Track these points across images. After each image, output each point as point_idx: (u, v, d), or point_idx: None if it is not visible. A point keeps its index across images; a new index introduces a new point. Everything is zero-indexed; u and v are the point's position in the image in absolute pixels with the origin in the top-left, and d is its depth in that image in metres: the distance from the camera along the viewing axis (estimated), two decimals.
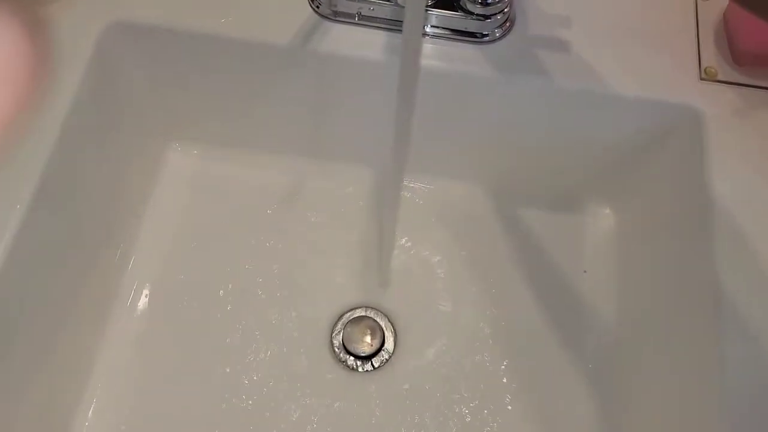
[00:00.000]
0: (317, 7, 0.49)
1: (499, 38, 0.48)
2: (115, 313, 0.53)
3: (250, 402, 0.50)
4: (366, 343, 0.53)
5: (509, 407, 0.51)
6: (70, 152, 0.44)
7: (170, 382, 0.51)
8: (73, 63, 0.45)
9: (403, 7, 0.45)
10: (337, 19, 0.48)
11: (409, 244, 0.57)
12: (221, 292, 0.54)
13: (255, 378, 0.51)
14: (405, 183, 0.58)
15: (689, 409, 0.41)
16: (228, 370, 0.51)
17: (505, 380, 0.52)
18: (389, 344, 0.53)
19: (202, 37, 0.48)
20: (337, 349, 0.53)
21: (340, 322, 0.54)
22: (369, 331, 0.53)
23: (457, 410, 0.51)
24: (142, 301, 0.54)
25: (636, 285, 0.52)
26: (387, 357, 0.53)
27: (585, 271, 0.56)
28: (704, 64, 0.47)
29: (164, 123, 0.57)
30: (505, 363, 0.52)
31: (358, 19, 0.48)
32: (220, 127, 0.57)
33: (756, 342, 0.39)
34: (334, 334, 0.53)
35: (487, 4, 0.46)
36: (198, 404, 0.50)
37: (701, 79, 0.46)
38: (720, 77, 0.46)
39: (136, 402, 0.50)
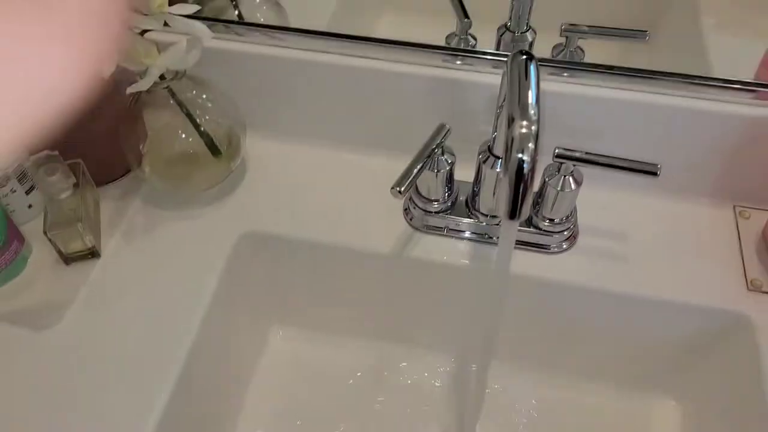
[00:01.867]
0: (410, 220, 0.59)
1: (566, 250, 0.56)
2: None
3: None
4: None
5: None
6: (207, 335, 0.53)
7: None
8: (215, 260, 0.56)
9: (483, 224, 0.55)
10: (427, 231, 0.58)
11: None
12: None
13: None
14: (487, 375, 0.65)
15: None
16: None
17: None
18: None
19: (316, 246, 0.59)
20: None
21: None
22: None
23: None
24: None
25: None
26: None
27: None
28: (749, 276, 0.53)
29: (274, 310, 0.66)
30: None
31: (446, 232, 0.58)
32: (317, 317, 0.66)
33: None
34: None
35: (554, 222, 0.55)
36: None
37: (748, 289, 0.53)
38: (765, 289, 0.53)
39: None
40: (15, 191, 0.54)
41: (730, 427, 0.52)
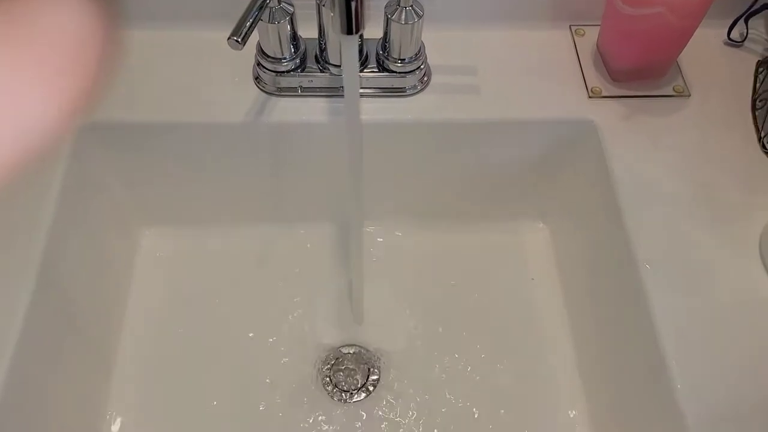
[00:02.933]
0: (263, 86, 0.57)
1: (420, 90, 0.57)
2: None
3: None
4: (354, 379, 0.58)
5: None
6: (61, 242, 0.49)
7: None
8: (55, 162, 0.51)
9: (339, 75, 0.54)
10: (281, 94, 0.56)
11: (374, 287, 0.63)
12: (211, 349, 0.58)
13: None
14: (364, 229, 0.65)
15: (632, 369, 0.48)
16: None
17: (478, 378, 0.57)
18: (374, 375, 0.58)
19: (168, 127, 0.55)
20: (328, 387, 0.57)
21: (328, 362, 0.59)
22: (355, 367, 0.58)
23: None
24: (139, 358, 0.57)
25: (574, 277, 0.60)
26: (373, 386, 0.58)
27: (533, 279, 0.63)
28: (589, 86, 0.57)
29: (137, 210, 0.62)
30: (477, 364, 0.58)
31: (300, 92, 0.56)
32: (187, 208, 0.63)
33: (677, 291, 0.46)
34: (323, 375, 0.58)
35: (404, 62, 0.55)
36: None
37: (589, 97, 0.56)
38: (604, 94, 0.56)
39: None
40: None
41: (592, 232, 0.57)
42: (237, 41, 0.46)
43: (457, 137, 0.57)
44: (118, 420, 0.55)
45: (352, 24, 0.38)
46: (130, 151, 0.57)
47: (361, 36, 0.54)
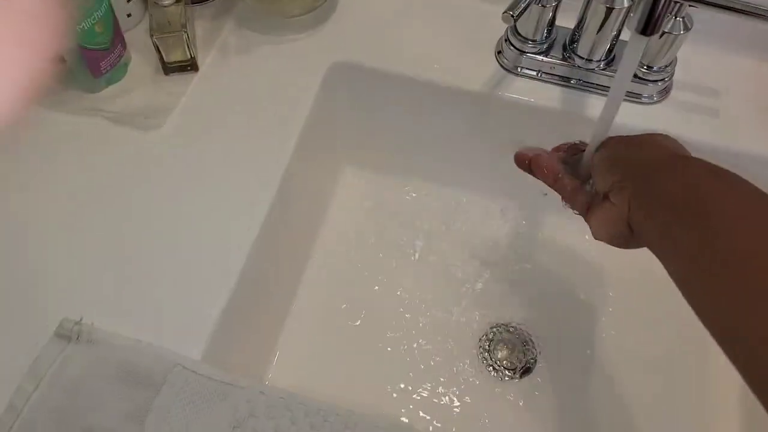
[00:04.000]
0: (504, 61, 0.59)
1: (658, 101, 0.57)
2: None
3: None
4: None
5: None
6: (298, 162, 0.55)
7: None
8: (306, 91, 0.56)
9: (582, 68, 0.55)
10: (519, 73, 0.58)
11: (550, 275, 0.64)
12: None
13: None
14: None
15: None
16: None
17: None
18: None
19: (405, 80, 0.59)
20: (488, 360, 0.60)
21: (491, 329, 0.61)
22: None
23: None
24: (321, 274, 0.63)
25: None
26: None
27: None
28: None
29: (351, 148, 0.67)
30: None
31: (540, 75, 0.58)
32: (395, 158, 0.67)
33: None
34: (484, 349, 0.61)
35: (651, 70, 0.55)
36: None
37: None
38: None
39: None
40: None
41: None
42: (512, 16, 0.48)
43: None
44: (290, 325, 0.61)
45: (650, 25, 0.39)
46: (366, 93, 0.61)
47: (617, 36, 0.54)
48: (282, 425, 0.41)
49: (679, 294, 0.35)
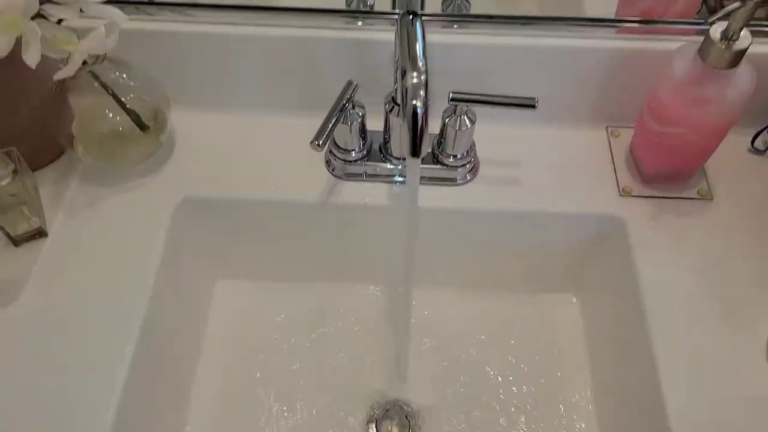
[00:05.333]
0: (332, 170, 0.65)
1: (470, 181, 0.65)
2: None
3: None
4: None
5: None
6: (159, 295, 0.59)
7: None
8: (158, 229, 0.61)
9: (397, 166, 0.63)
10: (348, 178, 0.65)
11: (423, 346, 0.70)
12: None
13: None
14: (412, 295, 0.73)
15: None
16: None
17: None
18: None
19: (249, 203, 0.65)
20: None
21: (373, 410, 0.66)
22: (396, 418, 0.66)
23: None
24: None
25: (601, 353, 0.66)
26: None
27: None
28: (621, 185, 0.63)
29: (217, 266, 0.72)
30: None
31: (365, 177, 0.65)
32: (259, 266, 0.72)
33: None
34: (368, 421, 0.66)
35: (456, 158, 0.63)
36: None
37: (620, 195, 0.63)
38: (634, 193, 0.63)
39: None
40: None
41: (616, 310, 0.63)
42: (318, 145, 0.55)
43: (500, 223, 0.65)
44: None
45: (417, 149, 0.47)
46: (216, 219, 0.66)
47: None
48: None
49: None
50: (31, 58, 0.49)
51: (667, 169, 0.61)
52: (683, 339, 0.55)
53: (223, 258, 0.71)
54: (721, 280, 0.58)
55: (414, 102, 0.45)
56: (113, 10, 0.53)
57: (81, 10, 0.53)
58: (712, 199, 0.63)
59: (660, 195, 0.63)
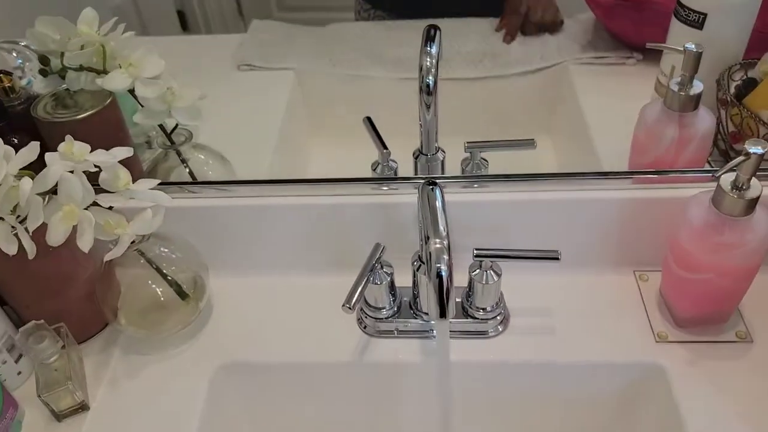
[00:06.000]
0: (364, 328, 0.67)
1: (501, 333, 0.65)
2: None
3: None
4: None
5: None
6: None
7: None
8: (195, 398, 0.62)
9: (429, 321, 0.64)
10: (380, 336, 0.66)
11: None
12: None
13: None
14: None
15: None
16: None
17: None
18: None
19: (285, 366, 0.65)
20: None
21: None
22: None
23: None
24: None
25: None
26: None
27: None
28: (656, 330, 0.63)
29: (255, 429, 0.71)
30: None
31: (397, 334, 0.66)
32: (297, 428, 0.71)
33: None
34: None
35: (486, 311, 0.64)
36: None
37: (657, 341, 0.62)
38: (670, 338, 0.62)
39: None
40: (5, 362, 0.60)
41: None
42: (349, 308, 0.57)
43: (534, 375, 0.64)
44: None
45: (444, 311, 0.48)
46: (254, 384, 0.67)
47: None
48: None
49: None
50: (86, 244, 0.54)
51: (702, 314, 0.61)
52: None
53: (260, 422, 0.71)
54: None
55: (438, 265, 0.47)
56: (159, 194, 0.58)
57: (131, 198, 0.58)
58: (752, 342, 0.61)
59: (697, 339, 0.62)
